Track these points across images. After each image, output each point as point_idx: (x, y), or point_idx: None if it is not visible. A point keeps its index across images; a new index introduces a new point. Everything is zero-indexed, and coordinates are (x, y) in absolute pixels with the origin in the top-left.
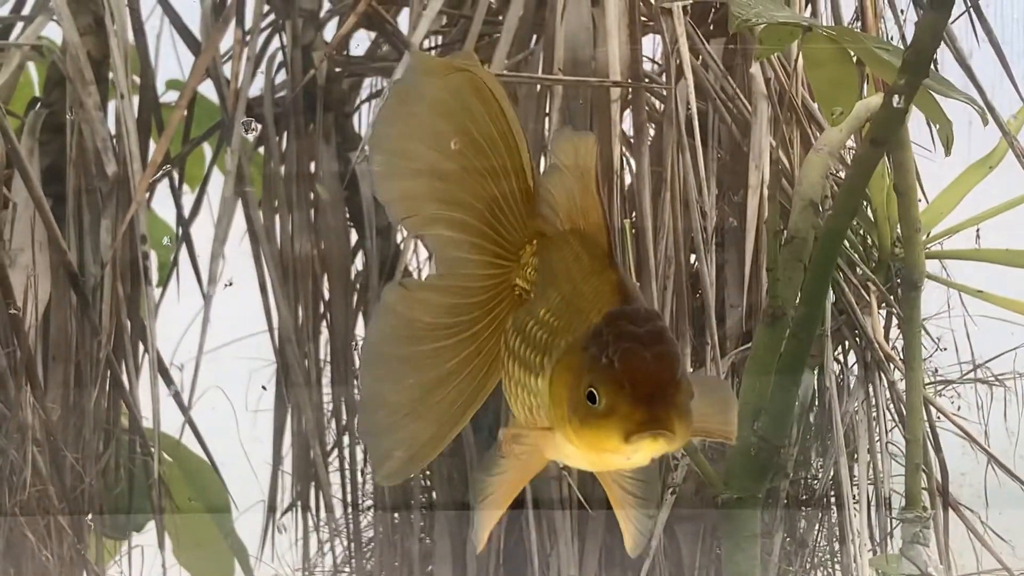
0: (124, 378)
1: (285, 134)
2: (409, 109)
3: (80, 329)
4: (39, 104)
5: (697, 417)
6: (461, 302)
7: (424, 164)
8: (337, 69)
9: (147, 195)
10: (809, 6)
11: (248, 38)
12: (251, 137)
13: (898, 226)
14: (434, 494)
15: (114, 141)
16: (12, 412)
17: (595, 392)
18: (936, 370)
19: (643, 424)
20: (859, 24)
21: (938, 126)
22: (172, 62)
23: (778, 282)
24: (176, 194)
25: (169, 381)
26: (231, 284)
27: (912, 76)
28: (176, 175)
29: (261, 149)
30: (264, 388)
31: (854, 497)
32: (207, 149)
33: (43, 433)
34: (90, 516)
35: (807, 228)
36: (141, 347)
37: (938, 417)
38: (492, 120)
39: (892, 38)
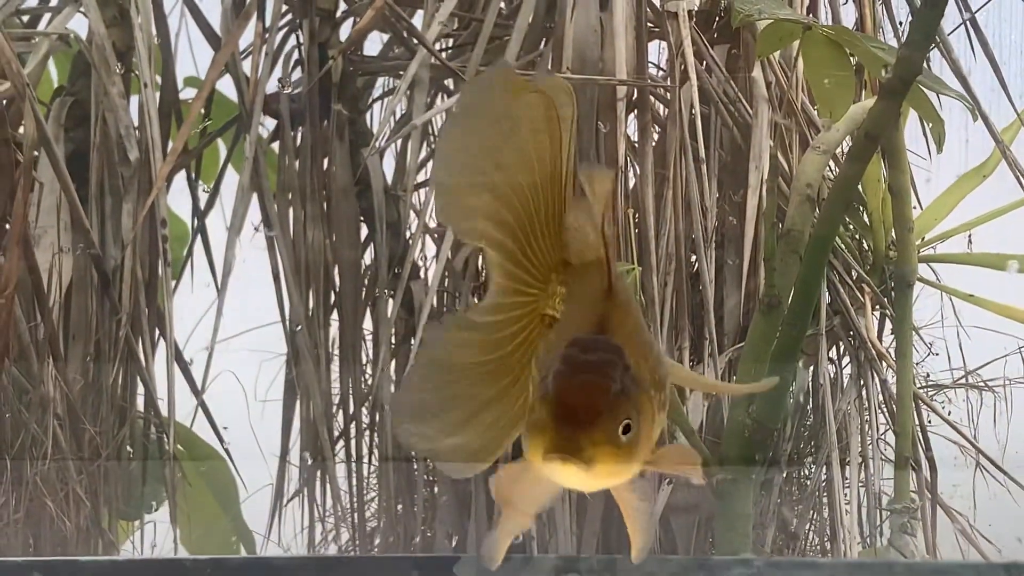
0: (141, 357)
1: (300, 129)
2: (477, 120)
3: (100, 309)
4: (64, 93)
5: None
6: (496, 336)
7: (482, 178)
8: (351, 68)
9: (166, 184)
10: (810, 15)
11: (267, 35)
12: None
13: (892, 230)
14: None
15: (136, 130)
16: (34, 386)
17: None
18: (928, 375)
19: (554, 445)
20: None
21: (930, 124)
22: (190, 60)
23: (774, 272)
24: (192, 186)
25: (183, 363)
26: (258, 230)
27: (905, 73)
28: (193, 167)
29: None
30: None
31: (845, 494)
32: (221, 147)
33: (64, 407)
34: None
35: (804, 222)
36: (157, 330)
37: (929, 421)
38: (550, 143)
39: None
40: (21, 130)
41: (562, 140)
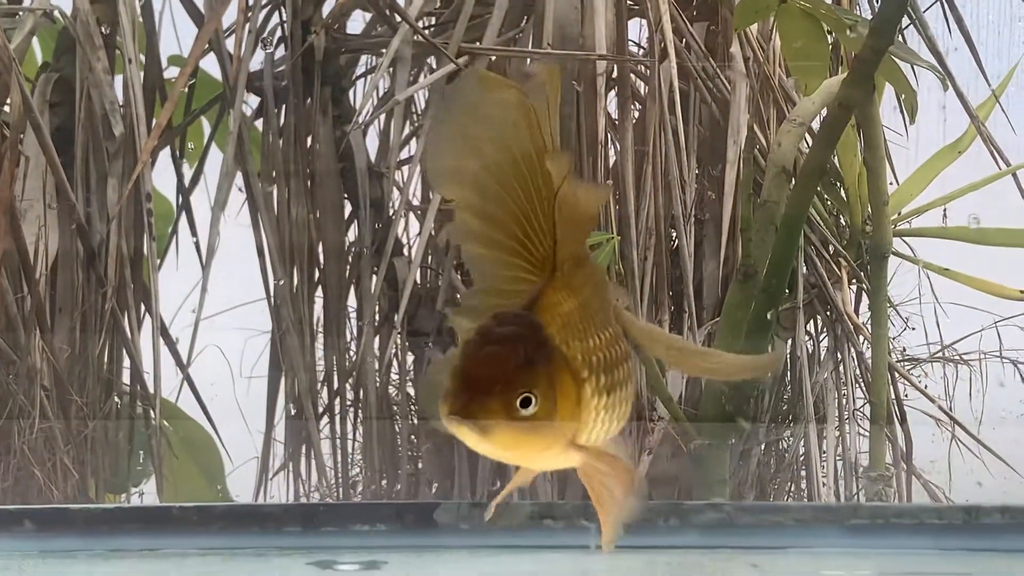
0: (127, 330)
1: (284, 107)
2: (459, 118)
3: (86, 282)
4: (49, 69)
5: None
6: None
7: (466, 176)
8: (334, 46)
9: (150, 161)
10: None
11: (250, 12)
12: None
13: (869, 205)
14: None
15: (120, 106)
16: (21, 357)
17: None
18: (904, 349)
19: (452, 409)
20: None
21: (903, 96)
22: (173, 38)
23: (750, 243)
24: (177, 163)
25: (168, 337)
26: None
27: (878, 42)
28: (177, 143)
29: (260, 122)
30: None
31: (822, 466)
32: (205, 125)
33: (51, 377)
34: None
35: (779, 193)
36: (142, 305)
37: (905, 394)
38: (532, 139)
39: None
40: (6, 108)
41: (540, 128)
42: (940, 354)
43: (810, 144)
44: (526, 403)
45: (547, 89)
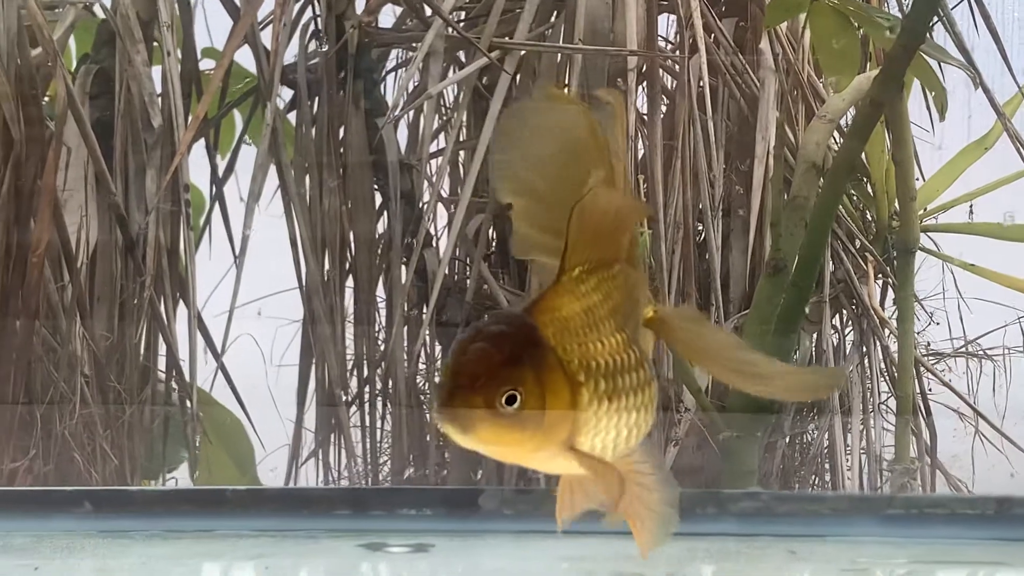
0: (164, 317)
1: (316, 99)
2: (525, 132)
3: (124, 271)
4: (88, 61)
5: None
6: None
7: (529, 187)
8: (366, 39)
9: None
10: None
11: (285, 5)
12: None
13: (895, 201)
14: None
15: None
16: (62, 345)
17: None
18: (928, 344)
19: (439, 405)
20: None
21: (933, 93)
22: (205, 31)
23: (780, 237)
24: (211, 155)
25: (203, 326)
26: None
27: (910, 40)
28: (211, 136)
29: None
30: None
31: (847, 459)
32: (238, 118)
33: (91, 365)
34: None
35: (809, 189)
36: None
37: (929, 389)
38: (594, 154)
39: None
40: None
41: (603, 144)
42: (964, 349)
43: (840, 140)
44: (511, 400)
45: (615, 111)
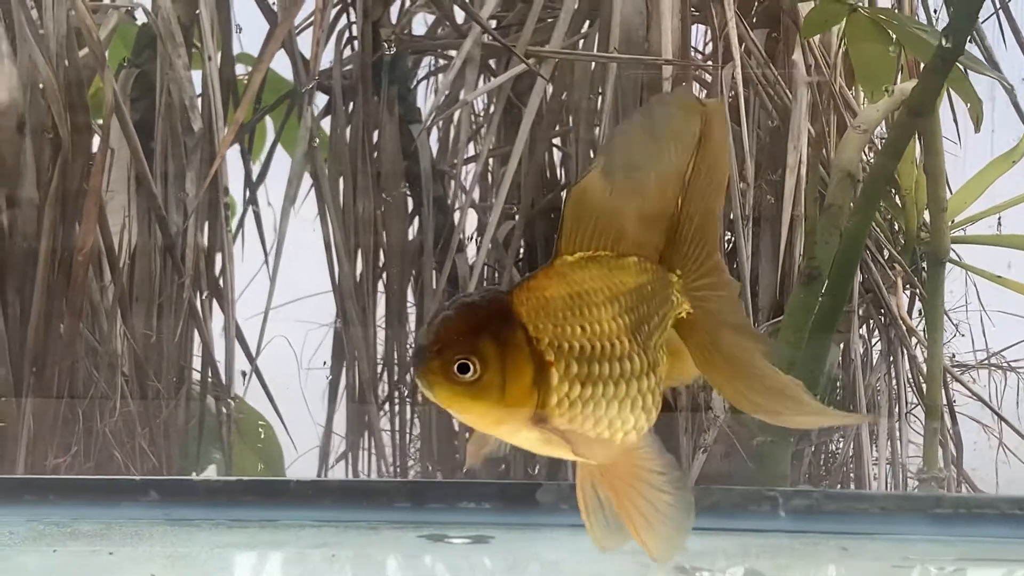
0: (203, 320)
1: (351, 104)
2: (650, 122)
3: (162, 271)
4: (129, 64)
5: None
6: None
7: (634, 185)
8: (401, 46)
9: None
10: None
11: (323, 11)
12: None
13: (925, 212)
14: None
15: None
16: (103, 344)
17: None
18: (954, 355)
19: (413, 365)
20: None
21: (968, 105)
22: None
23: (815, 245)
24: (246, 159)
25: (238, 330)
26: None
27: (947, 52)
28: (246, 141)
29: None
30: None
31: (873, 469)
32: (269, 124)
33: (131, 364)
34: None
35: (844, 198)
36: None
37: (954, 400)
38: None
39: None
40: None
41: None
42: (988, 360)
43: (874, 150)
44: (463, 369)
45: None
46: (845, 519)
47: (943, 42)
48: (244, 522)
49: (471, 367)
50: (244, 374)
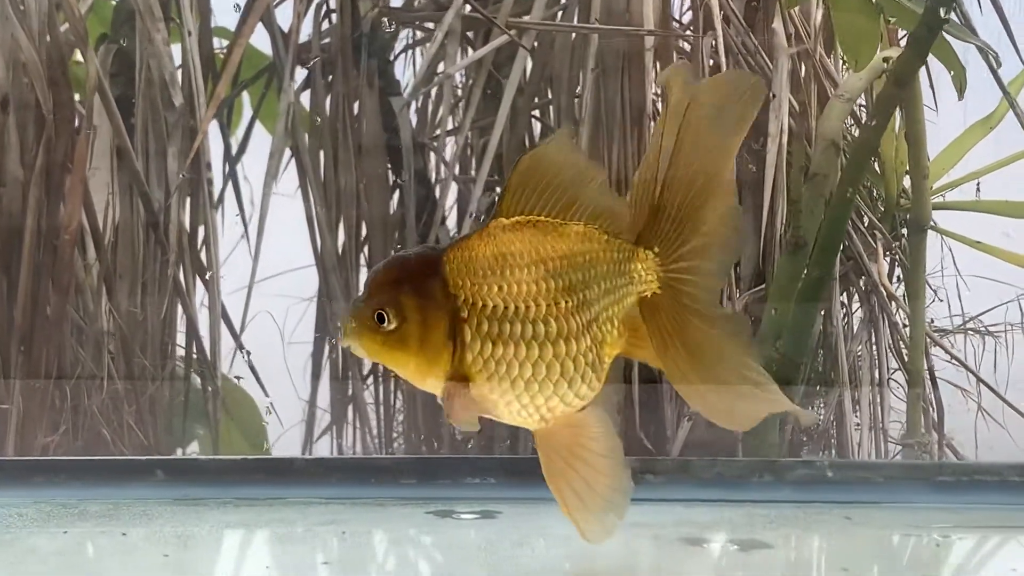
0: (187, 296)
1: (331, 78)
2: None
3: (145, 249)
4: (107, 40)
5: None
6: None
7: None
8: (380, 18)
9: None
10: None
11: None
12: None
13: (905, 178)
14: None
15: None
16: (88, 322)
17: None
18: (932, 320)
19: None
20: None
21: (952, 72)
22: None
23: (800, 214)
24: (225, 133)
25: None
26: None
27: (932, 21)
28: (225, 115)
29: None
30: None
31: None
32: (245, 99)
33: (117, 341)
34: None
35: (828, 166)
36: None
37: (933, 365)
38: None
39: None
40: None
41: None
42: (966, 325)
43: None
44: (382, 319)
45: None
46: (849, 488)
47: (941, 12)
48: (251, 500)
49: (387, 317)
50: (244, 353)
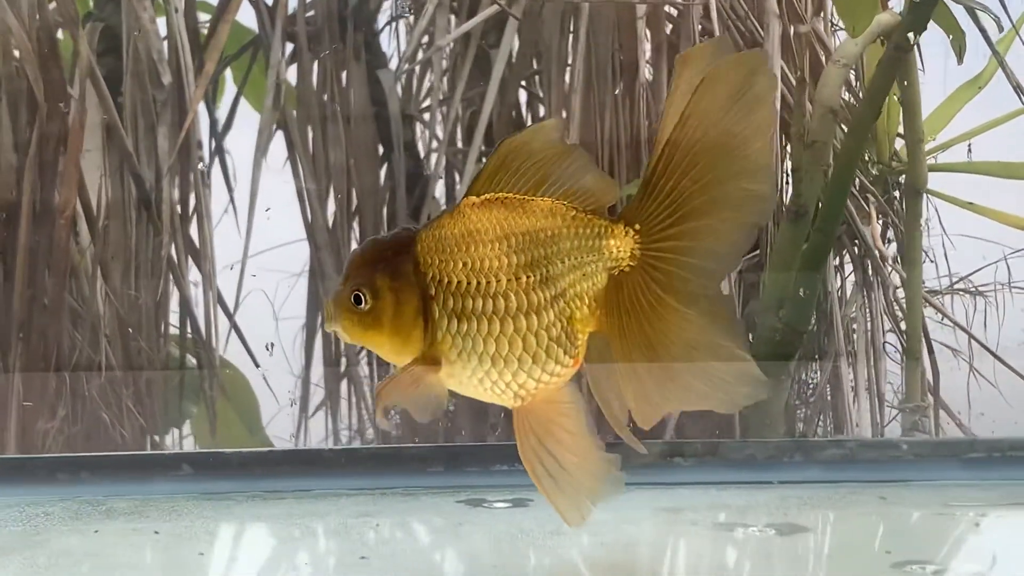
0: (181, 277)
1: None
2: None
3: (137, 230)
4: (93, 19)
5: None
6: None
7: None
8: None
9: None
10: None
11: None
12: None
13: (896, 140)
14: None
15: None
16: (85, 306)
17: None
18: (923, 282)
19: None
20: None
21: (951, 36)
22: None
23: (801, 182)
24: (211, 109)
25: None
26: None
27: None
28: (211, 91)
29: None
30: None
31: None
32: (228, 76)
33: (114, 325)
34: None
35: (827, 133)
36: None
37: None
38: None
39: None
40: None
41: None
42: (952, 286)
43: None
44: (358, 300)
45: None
46: (880, 467)
47: None
48: (279, 493)
49: (363, 298)
50: (268, 347)
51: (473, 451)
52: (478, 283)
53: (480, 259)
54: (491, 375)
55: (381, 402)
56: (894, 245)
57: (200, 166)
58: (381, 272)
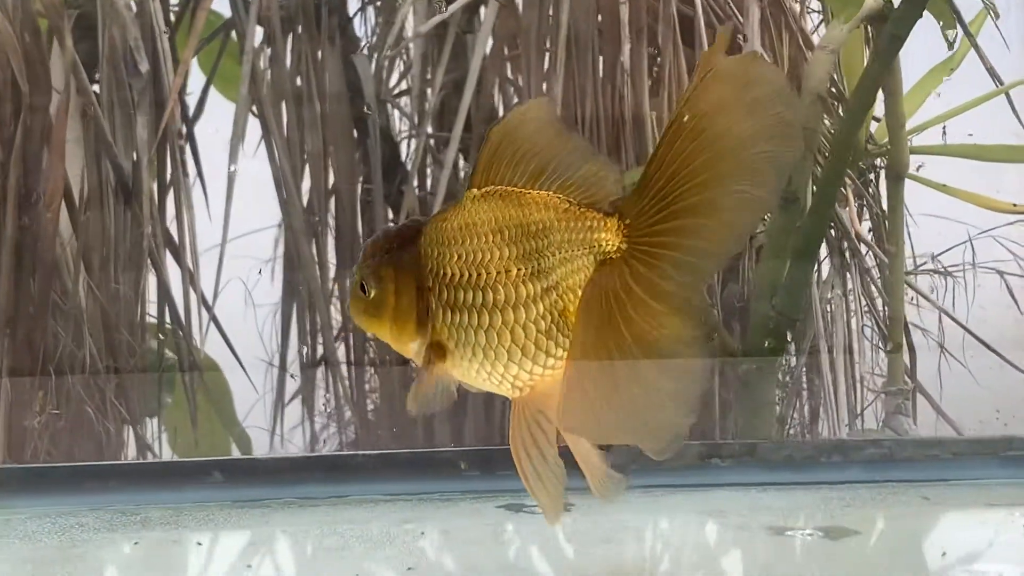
0: (161, 268)
1: (291, 36)
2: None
3: (114, 221)
4: (68, 6)
5: None
6: None
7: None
8: None
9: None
10: None
11: None
12: None
13: (871, 125)
14: None
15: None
16: (67, 300)
17: None
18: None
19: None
20: None
21: (941, 22)
22: None
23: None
24: (181, 95)
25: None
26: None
27: None
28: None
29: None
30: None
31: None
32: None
33: (97, 318)
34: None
35: (816, 120)
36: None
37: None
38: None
39: None
40: None
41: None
42: (923, 266)
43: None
44: (364, 288)
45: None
46: (919, 467)
47: None
48: (314, 500)
49: (368, 286)
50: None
51: (506, 454)
52: (471, 275)
53: (474, 252)
54: (485, 366)
55: (416, 408)
56: (867, 226)
57: (231, 168)
58: (385, 263)
